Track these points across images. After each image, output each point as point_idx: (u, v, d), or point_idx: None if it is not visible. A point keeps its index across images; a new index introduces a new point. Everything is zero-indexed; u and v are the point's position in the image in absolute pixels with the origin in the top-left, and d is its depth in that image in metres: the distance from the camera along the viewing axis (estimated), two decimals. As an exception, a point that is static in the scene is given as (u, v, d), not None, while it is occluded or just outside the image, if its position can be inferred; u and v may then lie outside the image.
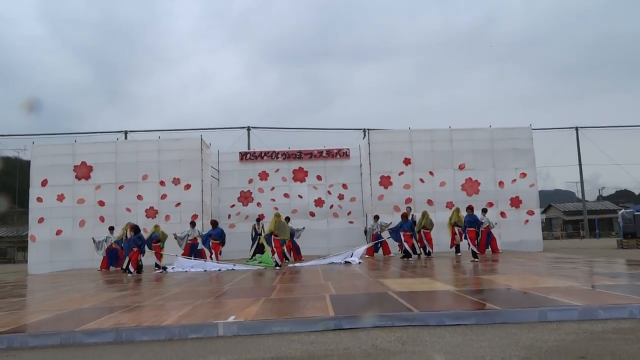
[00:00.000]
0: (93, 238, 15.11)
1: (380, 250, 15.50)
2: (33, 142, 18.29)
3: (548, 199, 54.83)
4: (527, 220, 17.48)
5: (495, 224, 15.35)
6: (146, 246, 12.54)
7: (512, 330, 4.11)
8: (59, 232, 16.77)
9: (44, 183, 17.06)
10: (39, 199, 17.02)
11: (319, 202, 19.74)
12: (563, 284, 6.44)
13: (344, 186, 19.86)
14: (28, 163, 18.20)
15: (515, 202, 17.53)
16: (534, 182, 17.86)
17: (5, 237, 40.23)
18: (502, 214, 17.29)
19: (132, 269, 11.95)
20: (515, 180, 17.68)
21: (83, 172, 17.24)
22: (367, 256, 14.69)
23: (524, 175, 17.72)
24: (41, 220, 16.87)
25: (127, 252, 12.51)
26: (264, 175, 19.92)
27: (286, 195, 19.74)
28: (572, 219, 48.69)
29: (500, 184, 17.65)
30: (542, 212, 37.31)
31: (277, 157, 20.11)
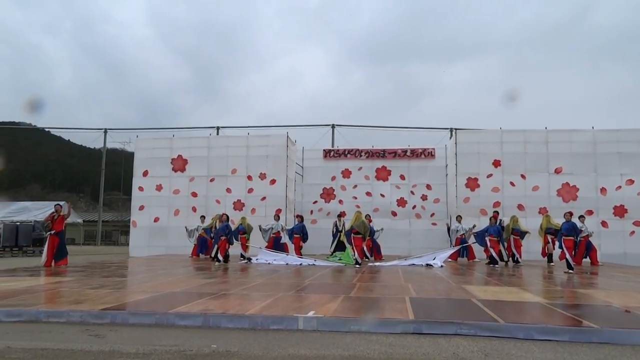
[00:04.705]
0: (186, 227, 16.19)
1: (465, 255, 14.94)
2: (137, 136, 19.95)
3: (659, 208, 49.26)
4: (632, 232, 15.90)
5: (592, 232, 14.10)
6: (232, 237, 13.16)
7: (612, 352, 3.77)
8: (156, 219, 18.15)
9: (145, 174, 18.54)
10: (141, 188, 18.53)
11: (401, 202, 19.50)
12: (675, 306, 5.77)
13: (428, 187, 19.44)
14: (132, 155, 19.86)
15: (620, 211, 16.01)
16: (642, 189, 16.18)
17: (111, 222, 44.52)
18: (604, 224, 15.89)
19: (220, 258, 12.60)
20: (620, 187, 16.16)
21: (179, 164, 18.48)
22: (450, 260, 14.23)
23: (631, 182, 16.13)
24: (142, 207, 18.37)
25: (216, 241, 13.25)
26: (346, 173, 20.06)
27: (368, 193, 19.72)
28: (688, 232, 43.41)
29: (602, 190, 16.22)
30: (652, 223, 33.59)
31: (361, 156, 20.14)
